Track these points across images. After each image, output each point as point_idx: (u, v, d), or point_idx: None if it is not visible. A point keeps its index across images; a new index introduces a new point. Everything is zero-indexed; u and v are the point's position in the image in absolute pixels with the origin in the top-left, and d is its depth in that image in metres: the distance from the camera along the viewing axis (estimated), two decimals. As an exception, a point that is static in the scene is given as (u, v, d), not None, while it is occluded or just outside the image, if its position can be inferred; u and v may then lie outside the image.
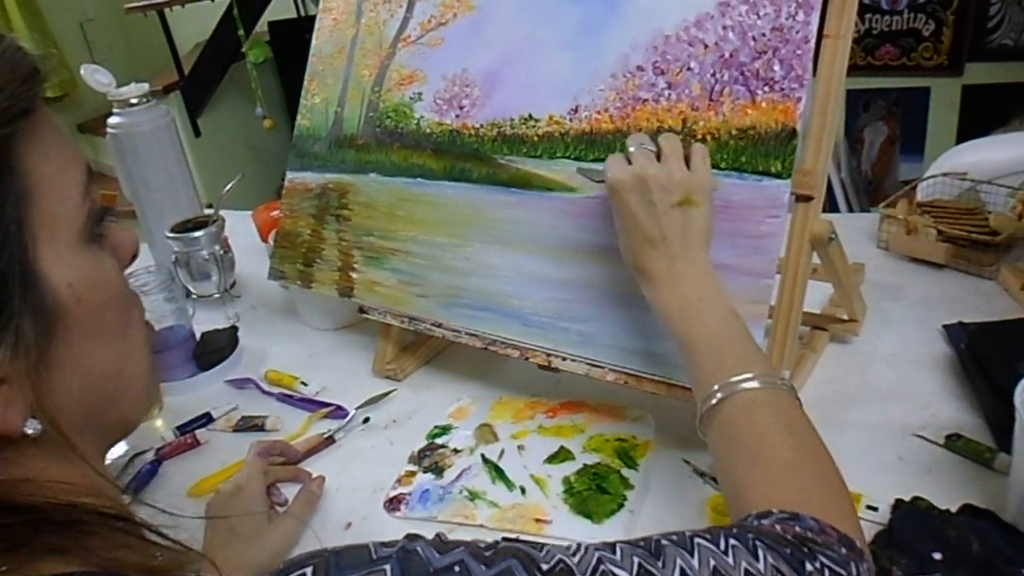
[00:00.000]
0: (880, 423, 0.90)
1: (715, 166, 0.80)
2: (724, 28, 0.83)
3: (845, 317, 1.02)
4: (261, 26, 3.96)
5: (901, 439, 0.87)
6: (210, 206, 1.40)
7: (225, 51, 3.90)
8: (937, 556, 0.69)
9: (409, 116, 1.03)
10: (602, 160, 0.82)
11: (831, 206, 2.09)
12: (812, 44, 0.78)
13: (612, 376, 0.84)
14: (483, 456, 0.89)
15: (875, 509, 0.77)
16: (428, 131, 1.01)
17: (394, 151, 1.04)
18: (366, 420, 0.99)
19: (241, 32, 3.67)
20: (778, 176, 0.78)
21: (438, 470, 0.89)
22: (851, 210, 2.80)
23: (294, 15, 4.14)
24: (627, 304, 0.84)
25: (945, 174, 1.36)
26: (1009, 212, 1.23)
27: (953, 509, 0.75)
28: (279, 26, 4.02)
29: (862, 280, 1.16)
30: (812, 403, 0.93)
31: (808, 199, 0.79)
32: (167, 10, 3.71)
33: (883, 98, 3.12)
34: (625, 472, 0.85)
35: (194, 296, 1.33)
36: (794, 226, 0.80)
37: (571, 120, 0.90)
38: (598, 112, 0.89)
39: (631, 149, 0.78)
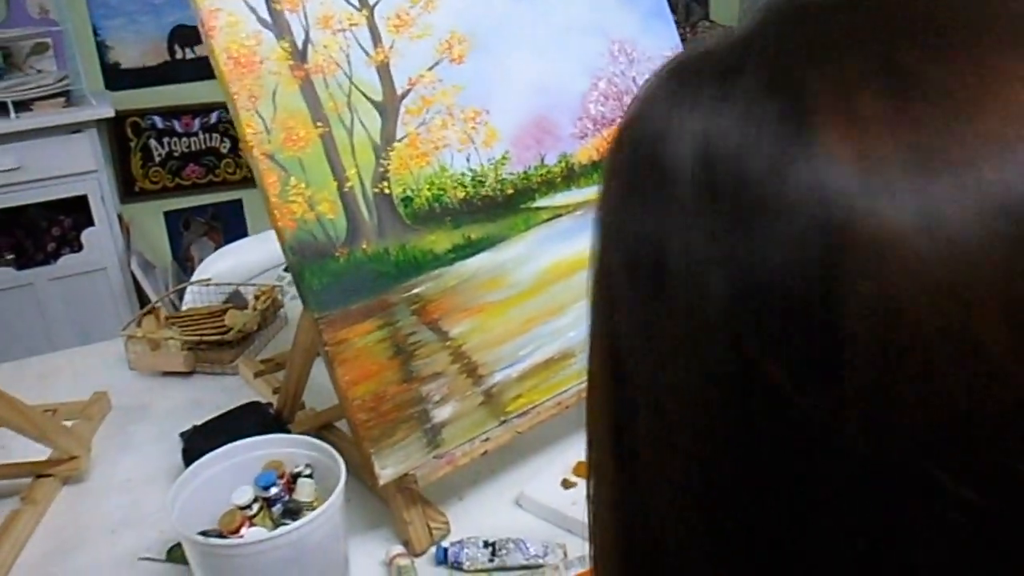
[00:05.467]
0: (108, 558, 0.85)
1: None
2: None
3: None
4: None
5: (130, 568, 0.83)
6: None
7: None
8: None
9: None
10: None
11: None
12: None
13: None
14: None
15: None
16: None
17: None
18: None
19: None
20: None
21: None
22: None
23: None
24: None
25: (192, 282, 1.41)
26: (253, 308, 1.32)
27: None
28: None
29: (108, 409, 1.12)
30: (31, 565, 0.85)
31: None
32: None
33: (200, 215, 3.22)
34: None
35: None
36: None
37: None
38: None
39: None
